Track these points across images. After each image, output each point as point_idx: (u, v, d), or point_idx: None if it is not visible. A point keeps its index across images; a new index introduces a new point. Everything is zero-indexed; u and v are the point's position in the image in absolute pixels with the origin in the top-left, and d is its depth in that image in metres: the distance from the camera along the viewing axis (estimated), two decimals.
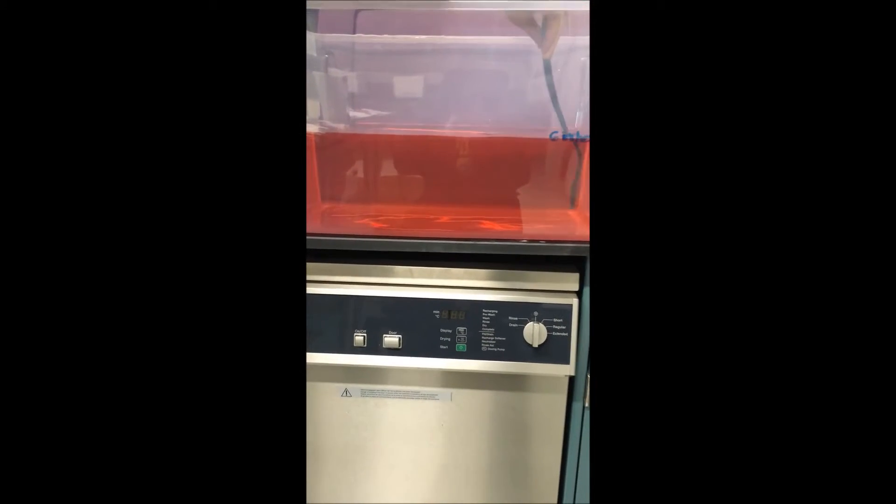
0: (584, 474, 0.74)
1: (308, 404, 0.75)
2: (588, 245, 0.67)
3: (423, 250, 0.69)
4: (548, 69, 0.70)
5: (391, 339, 0.70)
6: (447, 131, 0.76)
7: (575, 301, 0.69)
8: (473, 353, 0.70)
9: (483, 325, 0.69)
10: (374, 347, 0.71)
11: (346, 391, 0.75)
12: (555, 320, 0.69)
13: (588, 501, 0.74)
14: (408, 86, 0.75)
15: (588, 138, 0.71)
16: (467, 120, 0.76)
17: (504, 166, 0.76)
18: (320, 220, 0.76)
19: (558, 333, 0.69)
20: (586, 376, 0.71)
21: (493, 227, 0.76)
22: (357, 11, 0.72)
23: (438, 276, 0.71)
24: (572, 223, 0.75)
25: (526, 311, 0.69)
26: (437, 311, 0.70)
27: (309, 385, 0.75)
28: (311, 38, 0.71)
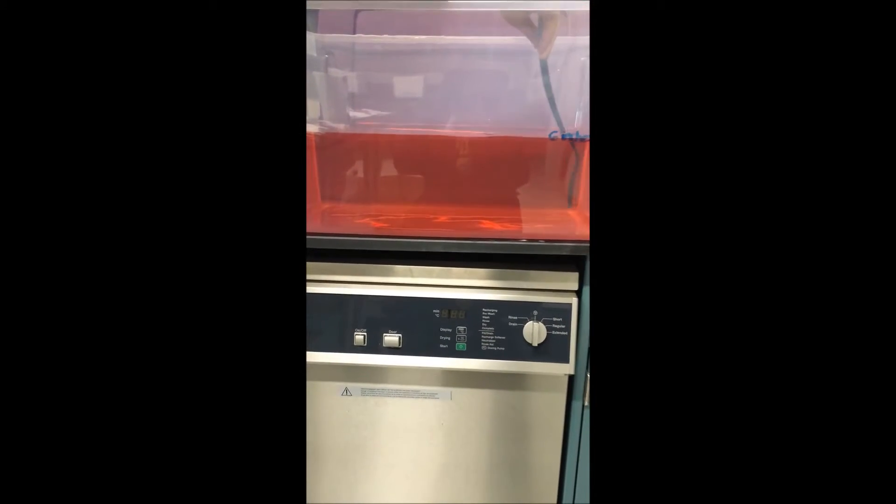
0: (584, 473, 0.74)
1: (308, 403, 0.75)
2: (587, 244, 0.67)
3: (423, 250, 0.69)
4: (544, 69, 0.70)
5: (391, 339, 0.70)
6: (447, 131, 0.76)
7: (574, 300, 0.69)
8: (473, 352, 0.70)
9: (483, 325, 0.70)
10: (374, 346, 0.71)
11: (346, 390, 0.75)
12: (554, 319, 0.69)
13: (588, 499, 0.74)
14: (408, 86, 0.75)
15: (587, 138, 0.71)
16: (467, 120, 0.76)
17: (504, 166, 0.76)
18: (320, 219, 0.76)
19: (558, 332, 0.69)
20: (586, 375, 0.71)
21: (492, 227, 0.76)
22: (357, 12, 0.72)
23: (438, 276, 0.71)
24: (572, 223, 0.75)
25: (525, 311, 0.69)
26: (437, 311, 0.70)
27: (309, 384, 0.75)
28: (312, 39, 0.71)
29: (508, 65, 0.75)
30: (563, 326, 0.69)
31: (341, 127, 0.77)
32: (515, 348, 0.70)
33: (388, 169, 0.77)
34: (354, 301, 0.71)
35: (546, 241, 0.69)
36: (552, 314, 0.69)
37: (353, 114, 0.77)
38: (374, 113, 0.76)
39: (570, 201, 0.76)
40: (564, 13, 0.68)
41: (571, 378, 0.72)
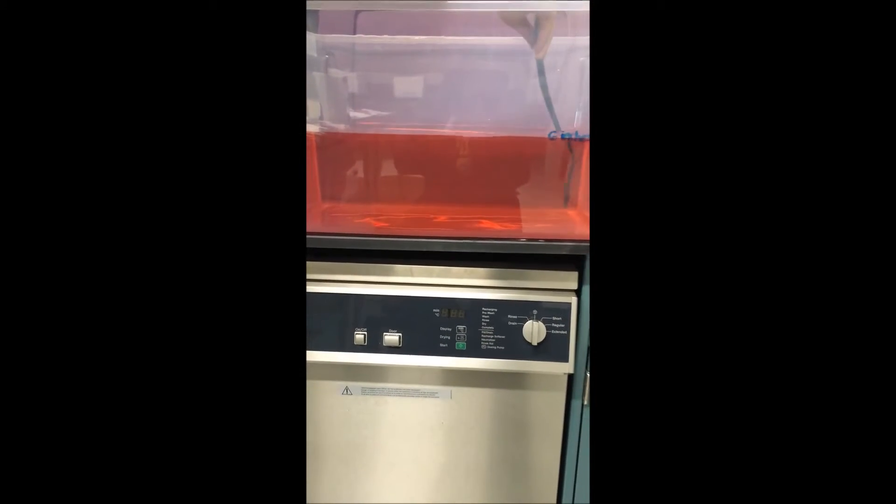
0: (583, 471, 0.74)
1: (309, 402, 0.76)
2: (587, 244, 0.68)
3: (423, 249, 0.69)
4: (541, 70, 0.70)
5: (391, 338, 0.70)
6: (447, 131, 0.76)
7: (574, 299, 0.69)
8: (473, 351, 0.70)
9: (482, 324, 0.70)
10: (374, 346, 0.71)
11: (346, 389, 0.75)
12: (554, 318, 0.69)
13: (587, 497, 0.75)
14: (408, 86, 0.75)
15: (586, 138, 0.71)
16: (467, 120, 0.77)
17: (503, 166, 0.76)
18: (321, 219, 0.76)
19: (557, 332, 0.69)
20: (585, 374, 0.71)
21: (492, 227, 0.76)
22: (357, 12, 0.72)
23: (438, 275, 0.71)
24: (571, 222, 0.76)
25: (525, 310, 0.69)
26: (437, 310, 0.70)
27: (310, 383, 0.75)
28: (312, 39, 0.71)
29: (508, 65, 0.75)
30: (563, 325, 0.69)
31: (341, 127, 0.78)
32: (515, 347, 0.70)
33: (388, 169, 0.77)
34: (355, 300, 0.71)
35: (545, 240, 0.69)
36: (551, 313, 0.69)
37: (353, 114, 0.77)
38: (374, 113, 0.76)
39: (566, 201, 0.76)
40: (564, 13, 0.68)
41: (571, 377, 0.72)
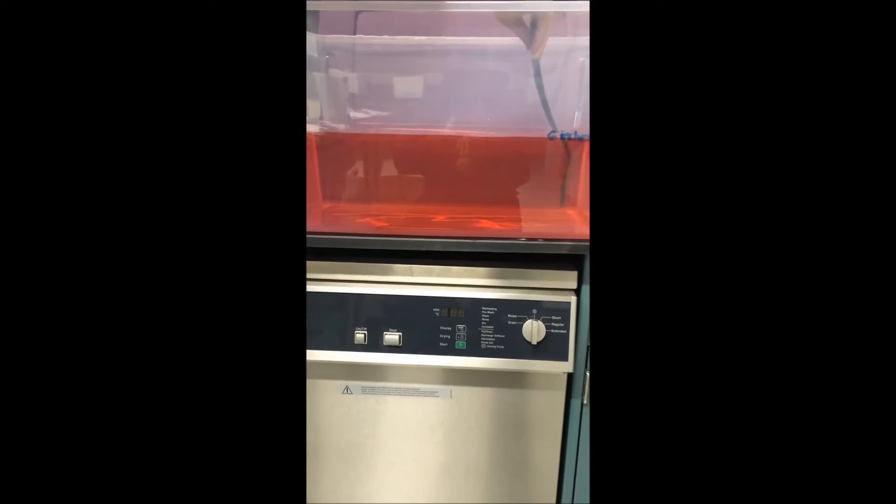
0: (583, 470, 0.74)
1: (309, 401, 0.76)
2: (586, 243, 0.68)
3: (423, 249, 0.69)
4: (537, 70, 0.70)
5: (391, 337, 0.71)
6: (447, 131, 0.76)
7: (573, 299, 0.69)
8: (473, 350, 0.70)
9: (482, 323, 0.70)
10: (374, 345, 0.71)
11: (346, 388, 0.75)
12: (553, 318, 0.69)
13: (587, 497, 0.75)
14: (407, 86, 0.75)
15: (586, 138, 0.71)
16: (467, 120, 0.77)
17: (503, 166, 0.76)
18: (321, 218, 0.77)
19: (557, 331, 0.69)
20: (584, 373, 0.71)
21: (492, 226, 0.76)
22: (357, 13, 0.72)
23: (438, 275, 0.71)
24: (571, 222, 0.76)
25: (525, 309, 0.69)
26: (437, 309, 0.70)
27: (310, 382, 0.75)
28: (312, 39, 0.71)
29: (508, 65, 0.75)
30: (562, 325, 0.69)
31: (342, 127, 0.78)
32: (515, 347, 0.70)
33: (388, 169, 0.77)
34: (355, 300, 0.71)
35: (545, 240, 0.69)
36: (551, 313, 0.69)
37: (353, 114, 0.77)
38: (374, 113, 0.77)
39: (562, 201, 0.76)
40: (563, 14, 0.68)
41: (570, 376, 0.72)
